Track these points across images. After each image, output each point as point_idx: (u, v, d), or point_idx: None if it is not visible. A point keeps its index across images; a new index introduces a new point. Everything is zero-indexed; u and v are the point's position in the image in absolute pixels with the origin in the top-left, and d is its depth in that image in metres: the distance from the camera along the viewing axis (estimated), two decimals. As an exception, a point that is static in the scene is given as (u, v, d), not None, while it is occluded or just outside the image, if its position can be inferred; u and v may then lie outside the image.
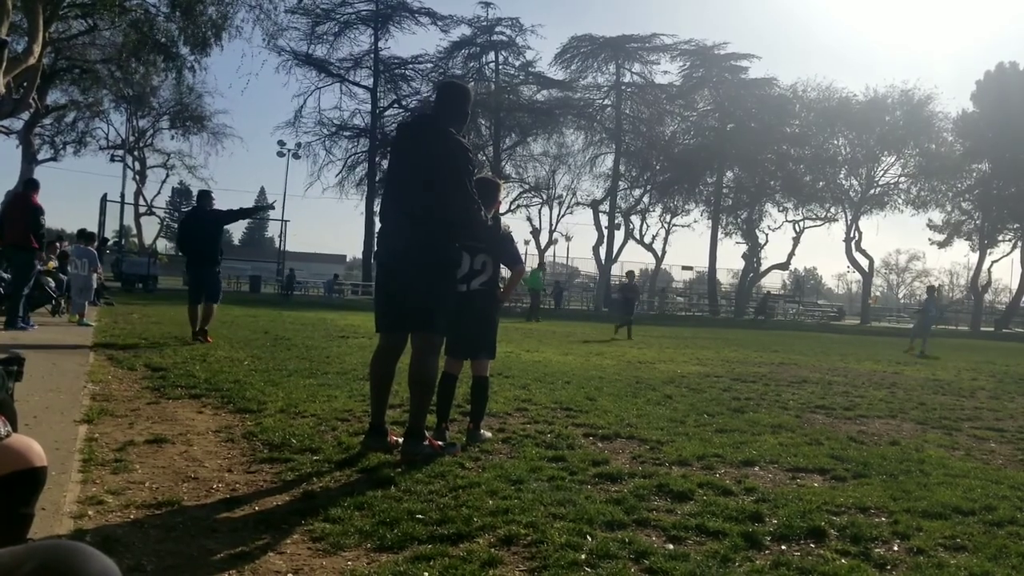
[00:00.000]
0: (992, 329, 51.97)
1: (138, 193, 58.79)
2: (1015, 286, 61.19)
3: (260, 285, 47.61)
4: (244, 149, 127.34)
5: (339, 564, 3.05)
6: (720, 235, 53.58)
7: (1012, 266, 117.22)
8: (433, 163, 4.76)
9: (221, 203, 11.85)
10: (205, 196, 11.82)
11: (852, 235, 52.94)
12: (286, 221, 49.68)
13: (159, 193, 65.02)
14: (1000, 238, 55.65)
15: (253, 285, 47.04)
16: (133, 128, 54.97)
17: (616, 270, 52.11)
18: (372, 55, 47.50)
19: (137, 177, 58.45)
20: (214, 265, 11.37)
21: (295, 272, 45.75)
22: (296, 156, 50.56)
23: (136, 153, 57.23)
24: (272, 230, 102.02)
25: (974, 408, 8.77)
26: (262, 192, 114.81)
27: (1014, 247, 55.98)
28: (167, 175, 60.55)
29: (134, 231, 62.83)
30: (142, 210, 60.42)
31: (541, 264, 32.36)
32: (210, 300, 11.25)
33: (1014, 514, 4.13)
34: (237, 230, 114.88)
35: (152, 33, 31.15)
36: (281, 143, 51.16)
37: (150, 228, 64.06)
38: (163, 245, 61.88)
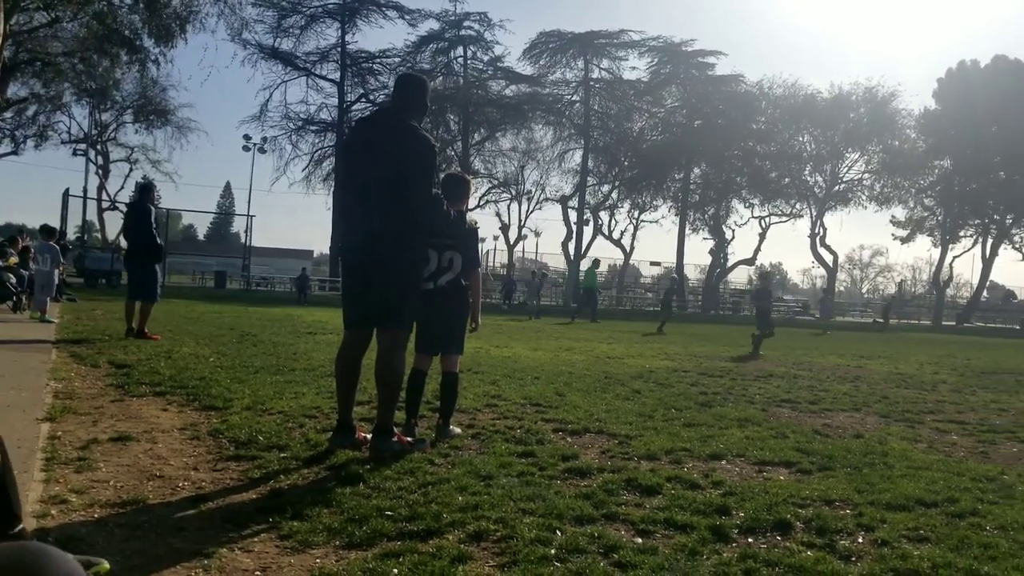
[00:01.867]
0: (954, 323, 52.86)
1: (101, 188, 57.83)
2: (976, 281, 62.34)
3: (225, 280, 47.06)
4: (209, 143, 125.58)
5: (307, 562, 3.03)
6: (688, 231, 54.03)
7: (973, 261, 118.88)
8: (397, 157, 4.72)
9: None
10: (143, 190, 11.67)
11: (817, 231, 53.58)
12: (252, 216, 49.16)
13: (123, 188, 63.94)
14: (962, 234, 56.61)
15: (218, 280, 46.45)
16: (96, 122, 54.10)
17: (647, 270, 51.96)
18: (339, 49, 47.22)
19: (100, 172, 57.55)
20: (146, 260, 11.15)
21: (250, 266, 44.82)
22: (262, 150, 50.21)
23: (99, 147, 56.35)
24: (238, 225, 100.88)
25: (936, 401, 8.92)
26: (227, 187, 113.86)
27: (975, 243, 57.00)
28: (131, 169, 59.60)
29: (97, 226, 61.88)
30: (105, 205, 59.48)
31: (596, 261, 30.41)
32: (142, 298, 11.03)
33: (975, 506, 4.20)
34: (202, 225, 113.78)
35: (115, 25, 30.69)
36: (247, 137, 50.78)
37: (113, 223, 63.10)
38: (125, 240, 60.94)
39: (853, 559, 3.33)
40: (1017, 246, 57.52)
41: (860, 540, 3.59)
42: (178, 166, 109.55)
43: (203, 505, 3.64)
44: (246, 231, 49.27)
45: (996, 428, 7.15)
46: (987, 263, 56.15)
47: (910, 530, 3.73)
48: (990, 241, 55.79)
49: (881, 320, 37.43)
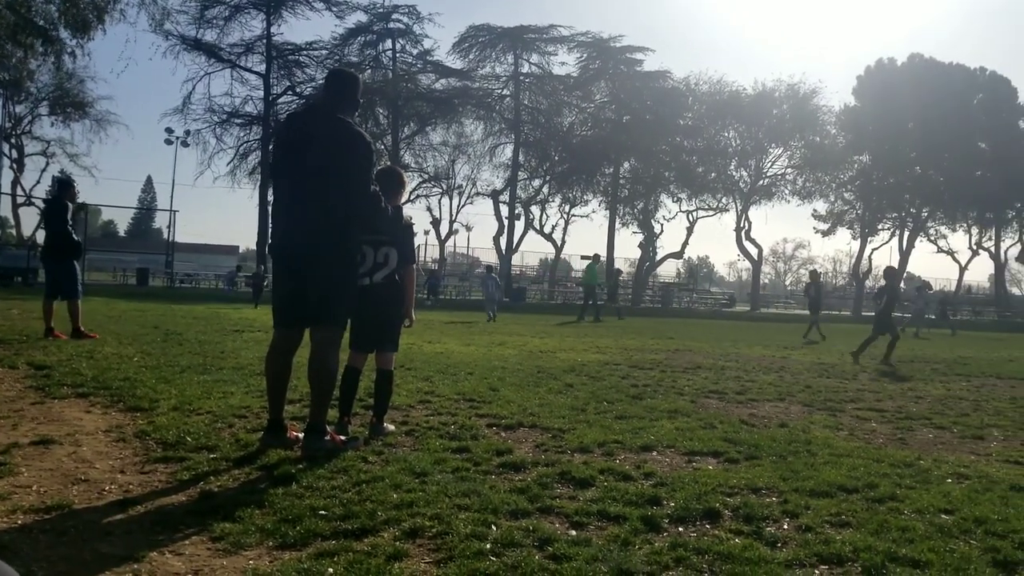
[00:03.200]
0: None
1: (15, 182, 55.68)
2: (893, 273, 64.42)
3: (148, 278, 45.84)
4: (130, 137, 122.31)
5: (240, 563, 2.99)
6: (617, 225, 54.47)
7: (891, 253, 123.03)
8: (331, 153, 4.68)
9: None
10: (61, 185, 11.36)
11: (742, 225, 54.70)
12: (175, 211, 48.00)
13: (39, 182, 61.99)
14: (880, 227, 58.55)
15: (140, 278, 45.20)
16: (9, 114, 51.93)
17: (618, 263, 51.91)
18: (264, 41, 46.25)
19: (14, 166, 55.36)
20: (64, 258, 10.82)
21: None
22: (185, 144, 48.91)
23: (13, 140, 54.19)
24: (160, 220, 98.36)
25: (856, 390, 9.22)
26: (149, 181, 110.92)
27: (892, 235, 59.02)
28: (47, 163, 57.57)
29: (12, 222, 59.63)
30: (20, 200, 57.34)
31: (596, 256, 29.31)
32: (65, 296, 10.72)
33: (894, 491, 4.37)
34: (123, 220, 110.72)
35: (29, 15, 29.55)
36: (169, 131, 49.44)
37: (29, 219, 60.96)
38: (43, 237, 58.89)
39: (779, 545, 3.44)
40: (932, 238, 59.87)
41: (785, 526, 3.70)
42: (97, 160, 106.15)
43: (131, 508, 3.56)
44: (169, 227, 48.15)
45: (913, 415, 7.43)
46: (904, 255, 58.18)
47: (833, 515, 3.86)
48: (907, 234, 57.86)
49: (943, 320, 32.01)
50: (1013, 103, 57.90)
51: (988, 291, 73.35)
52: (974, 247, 61.62)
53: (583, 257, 63.56)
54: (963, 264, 62.61)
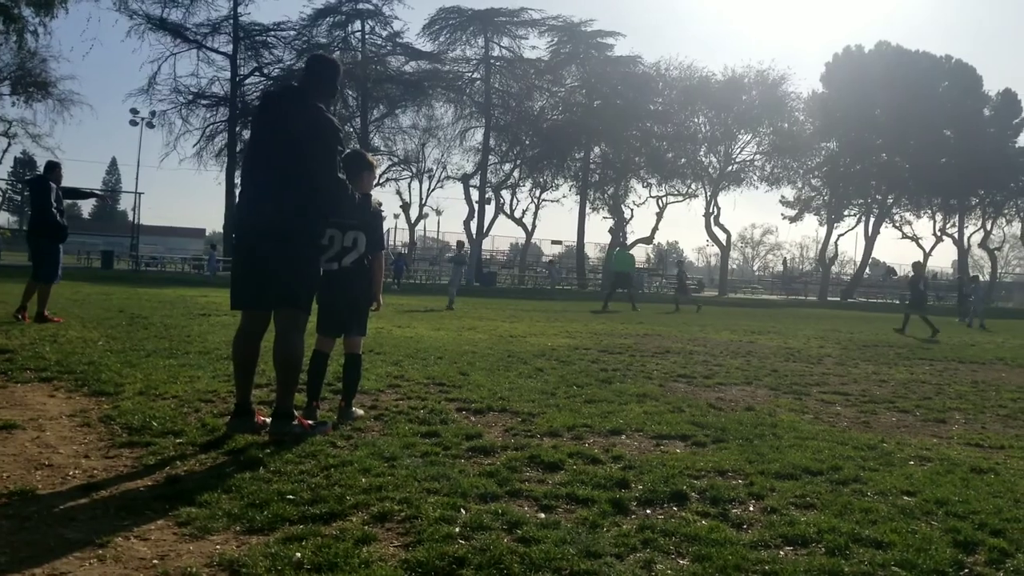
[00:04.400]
0: (838, 299, 55.31)
1: (-25, 163, 54.63)
2: (859, 258, 65.35)
3: (113, 261, 45.22)
4: (94, 117, 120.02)
5: (207, 548, 2.97)
6: (588, 210, 54.64)
7: (856, 239, 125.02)
8: (300, 139, 4.64)
9: (70, 173, 11.25)
10: (47, 166, 11.17)
11: (711, 210, 55.08)
12: (140, 193, 47.49)
13: None
14: (846, 213, 59.31)
15: (105, 261, 44.59)
16: (-32, 94, 50.86)
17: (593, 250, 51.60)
18: (231, 21, 45.66)
19: (-26, 146, 54.23)
20: (43, 240, 10.61)
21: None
22: (150, 125, 48.30)
23: (-28, 121, 53.04)
24: (125, 203, 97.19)
25: (822, 374, 9.34)
26: (113, 163, 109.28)
27: (858, 221, 59.82)
28: (8, 144, 56.10)
29: (-28, 203, 58.48)
30: (-19, 180, 56.21)
31: (623, 243, 28.15)
32: (38, 279, 10.54)
33: (857, 473, 4.44)
34: (87, 202, 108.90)
35: (-11, -9, 28.91)
36: (134, 111, 48.79)
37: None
38: (5, 219, 57.87)
39: (745, 527, 3.48)
40: (897, 224, 60.70)
41: (751, 508, 3.75)
42: (60, 141, 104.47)
43: (96, 493, 3.53)
44: (134, 209, 47.47)
45: (876, 399, 7.55)
46: (869, 241, 59.08)
47: (797, 497, 3.92)
48: (872, 220, 58.62)
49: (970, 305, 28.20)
50: (978, 91, 58.80)
51: (952, 277, 74.54)
52: (938, 233, 62.63)
53: (553, 242, 63.90)
54: (927, 250, 63.62)
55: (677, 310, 25.37)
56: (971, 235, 64.86)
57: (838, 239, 60.70)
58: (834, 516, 3.63)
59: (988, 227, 64.11)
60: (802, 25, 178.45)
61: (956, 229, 63.20)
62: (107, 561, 2.82)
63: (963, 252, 64.80)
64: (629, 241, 56.52)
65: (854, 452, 5.01)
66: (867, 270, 66.98)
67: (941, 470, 4.64)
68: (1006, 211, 63.19)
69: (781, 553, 3.18)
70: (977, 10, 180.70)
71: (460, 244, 25.84)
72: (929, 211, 60.85)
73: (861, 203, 58.54)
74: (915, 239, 62.16)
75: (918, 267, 20.71)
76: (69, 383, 6.09)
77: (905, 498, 3.99)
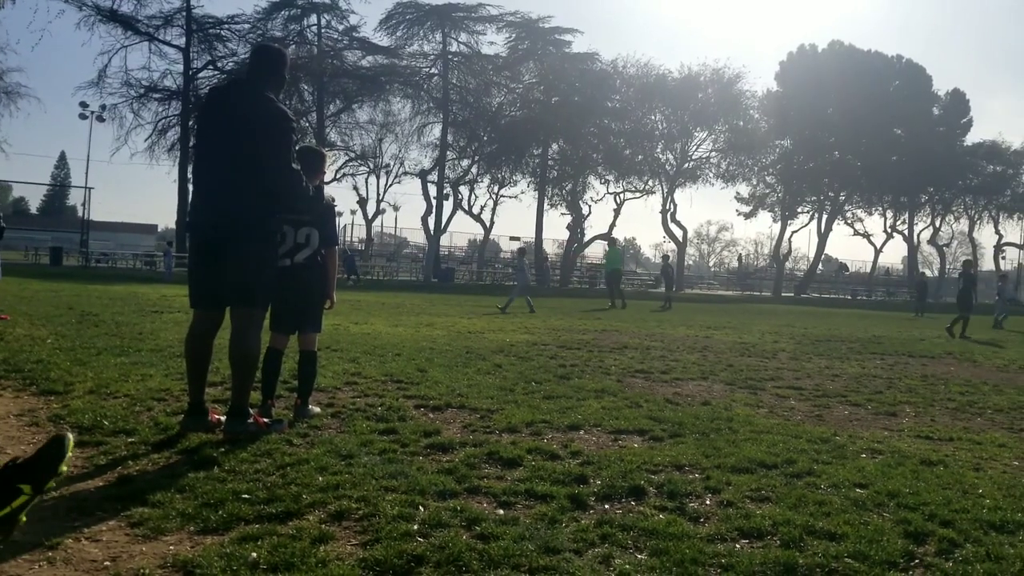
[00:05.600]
0: (792, 295, 56.10)
1: (-82, 157, 53.07)
2: (812, 254, 66.37)
3: (62, 257, 44.27)
4: (42, 111, 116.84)
5: (160, 549, 2.92)
6: (546, 206, 54.65)
7: (810, 236, 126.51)
8: (252, 131, 4.56)
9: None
10: None
11: (668, 207, 55.38)
12: (90, 188, 46.47)
13: (-58, 157, 59.00)
14: (800, 210, 60.07)
15: (54, 257, 43.62)
16: (-90, 86, 49.40)
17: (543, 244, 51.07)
18: (184, 13, 44.96)
19: (-84, 139, 52.71)
20: None
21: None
22: (100, 119, 47.34)
23: (-86, 113, 51.58)
24: (75, 198, 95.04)
25: (776, 369, 9.46)
26: (62, 157, 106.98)
27: (812, 218, 60.66)
28: (-48, 138, 54.96)
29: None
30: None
31: (613, 240, 28.10)
32: None
33: (811, 466, 4.51)
34: (35, 197, 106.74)
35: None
36: (84, 105, 47.69)
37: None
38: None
39: (701, 520, 3.51)
40: (849, 221, 61.73)
41: (708, 502, 3.78)
42: (8, 134, 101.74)
43: (45, 494, 3.44)
44: (84, 204, 46.53)
45: (829, 393, 7.67)
46: (822, 237, 59.95)
47: (753, 491, 3.96)
48: (825, 217, 59.54)
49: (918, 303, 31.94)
50: (928, 91, 59.97)
51: (901, 272, 76.06)
52: (889, 230, 63.79)
53: (512, 238, 63.81)
54: (878, 247, 64.78)
55: (669, 307, 25.17)
56: (920, 232, 66.28)
57: (792, 236, 61.38)
58: (788, 509, 3.67)
59: (937, 224, 65.50)
60: (757, 24, 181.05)
61: (906, 226, 64.55)
62: (57, 563, 2.75)
63: (913, 248, 66.17)
64: (587, 238, 56.88)
65: (808, 445, 5.08)
66: (820, 266, 68.06)
67: (892, 462, 4.72)
68: (954, 208, 64.59)
69: (737, 546, 3.21)
70: (928, 12, 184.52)
71: (522, 251, 25.68)
72: (880, 208, 61.98)
73: (814, 200, 59.40)
74: (867, 236, 63.32)
75: (969, 265, 19.73)
76: (17, 382, 5.96)
77: (857, 490, 4.06)
